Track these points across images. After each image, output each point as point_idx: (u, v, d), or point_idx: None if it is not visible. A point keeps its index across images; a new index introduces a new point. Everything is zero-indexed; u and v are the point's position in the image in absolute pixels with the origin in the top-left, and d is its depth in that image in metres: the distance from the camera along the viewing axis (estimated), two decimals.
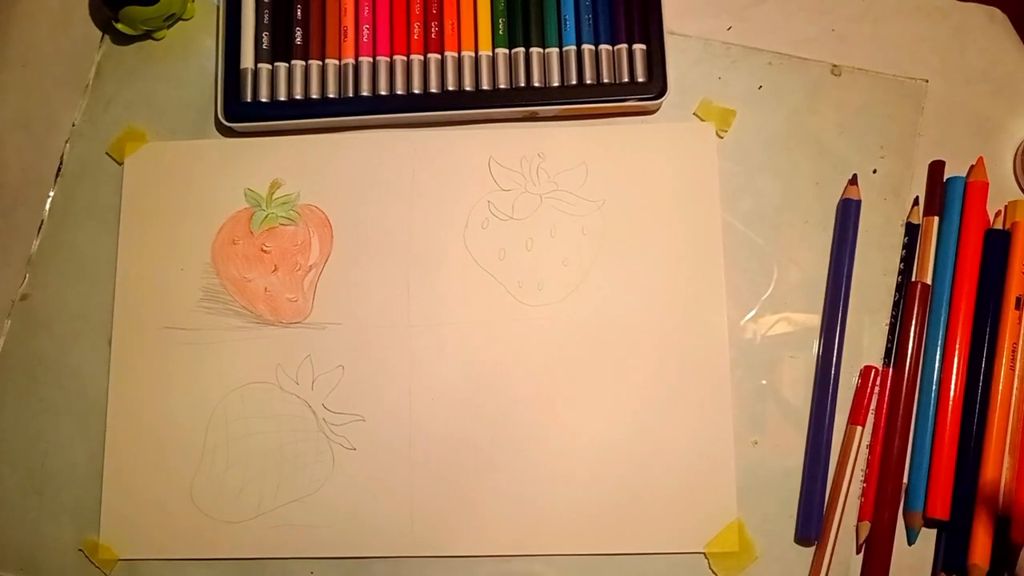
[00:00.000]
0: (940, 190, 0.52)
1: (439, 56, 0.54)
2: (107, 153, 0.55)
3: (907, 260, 0.51)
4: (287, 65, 0.54)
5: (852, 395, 0.50)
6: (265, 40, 0.54)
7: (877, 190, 0.53)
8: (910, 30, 0.55)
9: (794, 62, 0.54)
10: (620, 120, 0.54)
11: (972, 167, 0.52)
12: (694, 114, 0.54)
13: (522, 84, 0.53)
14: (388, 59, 0.54)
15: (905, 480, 0.49)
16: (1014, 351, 0.49)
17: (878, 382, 0.50)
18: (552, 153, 0.54)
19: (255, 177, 0.54)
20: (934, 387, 0.49)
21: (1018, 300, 0.49)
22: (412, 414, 0.51)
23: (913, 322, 0.50)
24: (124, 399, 0.52)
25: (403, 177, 0.54)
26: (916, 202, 0.52)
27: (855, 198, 0.52)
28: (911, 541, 0.49)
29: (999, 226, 0.51)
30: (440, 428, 0.51)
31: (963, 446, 0.48)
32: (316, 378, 0.52)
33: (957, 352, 0.49)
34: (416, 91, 0.54)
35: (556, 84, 0.53)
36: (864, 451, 0.50)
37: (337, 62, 0.54)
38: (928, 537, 0.49)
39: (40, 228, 0.55)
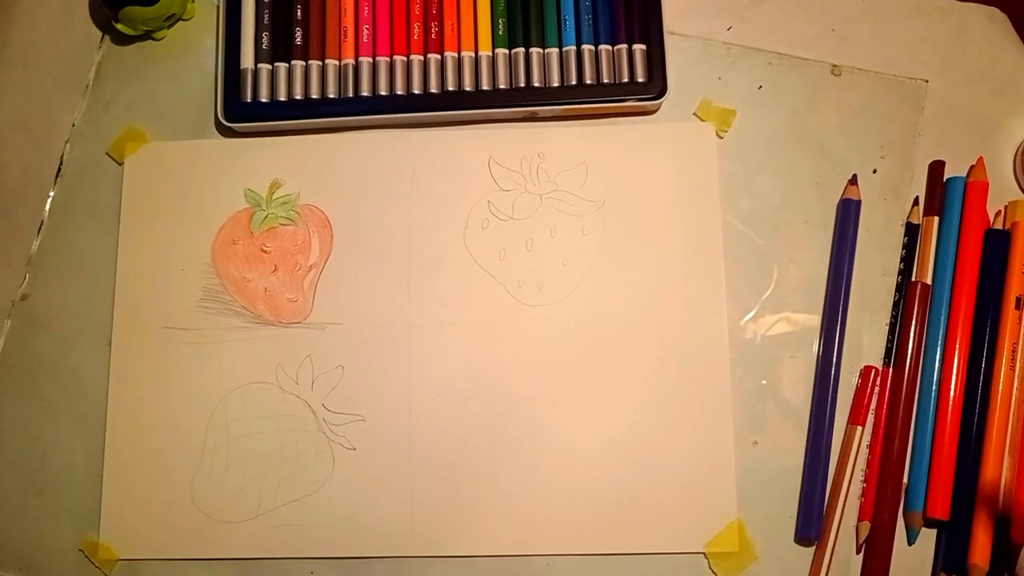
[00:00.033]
0: (940, 190, 0.52)
1: (439, 56, 0.54)
2: (107, 153, 0.55)
3: (907, 260, 0.51)
4: (287, 65, 0.54)
5: (852, 395, 0.50)
6: (265, 40, 0.54)
7: (877, 190, 0.53)
8: (910, 30, 0.55)
9: (794, 62, 0.54)
10: (620, 120, 0.54)
11: (972, 167, 0.52)
12: (694, 114, 0.54)
13: (522, 84, 0.53)
14: (388, 59, 0.54)
15: (905, 480, 0.49)
16: (1014, 351, 0.49)
17: (878, 382, 0.50)
18: (552, 153, 0.54)
19: (255, 177, 0.54)
20: (934, 387, 0.49)
21: (1018, 300, 0.49)
22: (412, 414, 0.51)
23: (913, 322, 0.50)
24: (124, 399, 0.52)
25: (403, 177, 0.54)
26: (916, 202, 0.52)
27: (855, 198, 0.52)
28: (911, 541, 0.49)
29: (999, 226, 0.51)
30: (440, 428, 0.51)
31: (963, 446, 0.48)
32: (316, 378, 0.52)
33: (957, 352, 0.49)
34: (416, 91, 0.54)
35: (556, 84, 0.53)
36: (864, 451, 0.50)
37: (337, 62, 0.54)
38: (928, 537, 0.49)
39: (40, 228, 0.55)
